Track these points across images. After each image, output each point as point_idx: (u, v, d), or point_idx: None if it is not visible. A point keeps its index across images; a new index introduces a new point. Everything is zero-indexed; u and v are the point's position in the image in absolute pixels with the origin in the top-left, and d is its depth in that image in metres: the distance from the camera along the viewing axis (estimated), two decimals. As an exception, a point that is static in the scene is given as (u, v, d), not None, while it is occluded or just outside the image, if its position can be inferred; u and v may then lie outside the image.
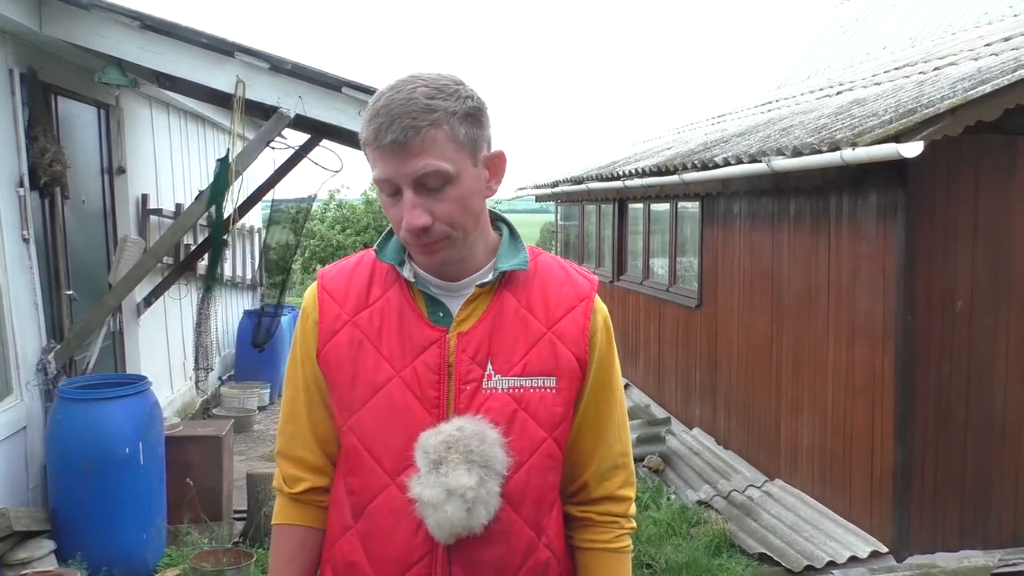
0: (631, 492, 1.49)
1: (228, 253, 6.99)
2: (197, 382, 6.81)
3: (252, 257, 9.96)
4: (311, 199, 6.25)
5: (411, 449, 1.31)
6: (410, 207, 1.25)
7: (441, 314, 1.36)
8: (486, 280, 1.36)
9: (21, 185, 4.25)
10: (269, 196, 6.52)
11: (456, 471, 1.26)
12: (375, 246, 1.43)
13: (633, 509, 1.49)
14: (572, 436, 1.41)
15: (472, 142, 1.28)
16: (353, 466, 1.39)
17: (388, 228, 1.46)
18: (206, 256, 7.18)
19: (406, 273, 1.37)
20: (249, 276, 9.75)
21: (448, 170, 1.25)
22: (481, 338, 1.35)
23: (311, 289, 1.45)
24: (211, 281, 5.36)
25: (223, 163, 4.52)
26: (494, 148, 1.34)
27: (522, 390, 1.34)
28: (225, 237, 4.98)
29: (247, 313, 8.49)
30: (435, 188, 1.25)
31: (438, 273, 1.38)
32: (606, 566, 1.46)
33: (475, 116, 1.28)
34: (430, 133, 1.23)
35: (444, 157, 1.24)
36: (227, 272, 8.16)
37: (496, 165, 1.35)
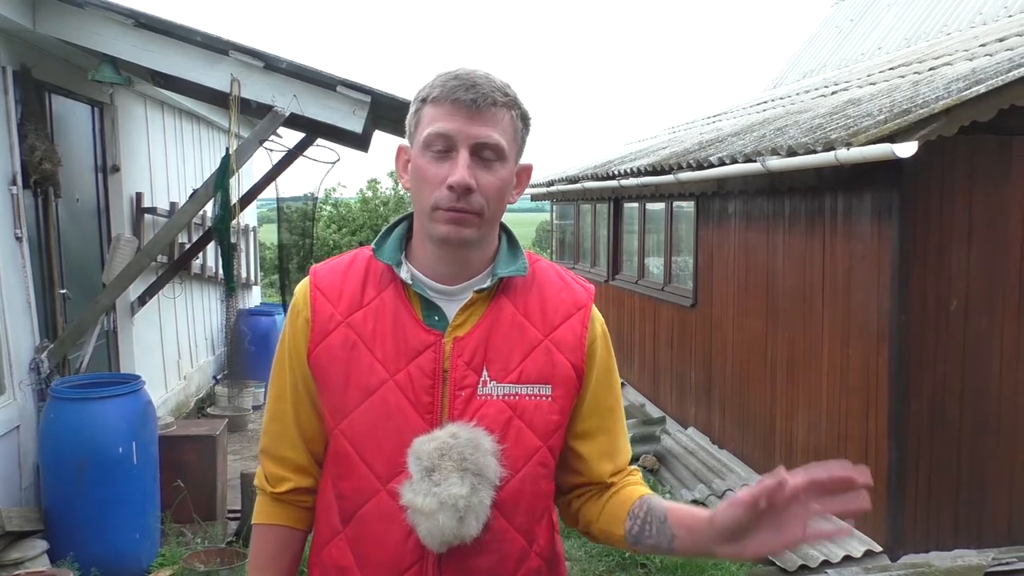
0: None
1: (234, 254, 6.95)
2: (230, 398, 6.84)
3: (248, 256, 9.94)
4: (314, 198, 6.24)
5: (403, 454, 1.29)
6: (463, 166, 1.26)
7: (437, 318, 1.34)
8: (484, 286, 1.35)
9: (14, 183, 4.23)
10: (265, 195, 6.51)
11: (449, 479, 1.25)
12: (372, 244, 1.40)
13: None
14: (579, 443, 1.41)
15: (521, 139, 1.35)
16: (343, 470, 1.36)
17: (386, 227, 1.44)
18: (200, 255, 7.18)
19: (403, 274, 1.35)
20: (244, 275, 9.73)
21: (505, 149, 1.30)
22: (477, 343, 1.33)
23: (302, 286, 1.42)
24: (231, 283, 5.30)
25: (224, 162, 4.50)
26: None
27: (517, 397, 1.32)
28: (234, 241, 4.94)
29: (244, 312, 8.47)
30: (488, 160, 1.29)
31: (437, 275, 1.36)
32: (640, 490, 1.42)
33: (527, 122, 1.37)
34: (502, 111, 1.30)
35: (506, 137, 1.30)
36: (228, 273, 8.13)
37: (523, 176, 1.40)
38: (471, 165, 1.27)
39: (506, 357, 1.33)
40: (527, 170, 1.40)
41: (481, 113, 1.27)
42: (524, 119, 1.35)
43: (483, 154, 1.28)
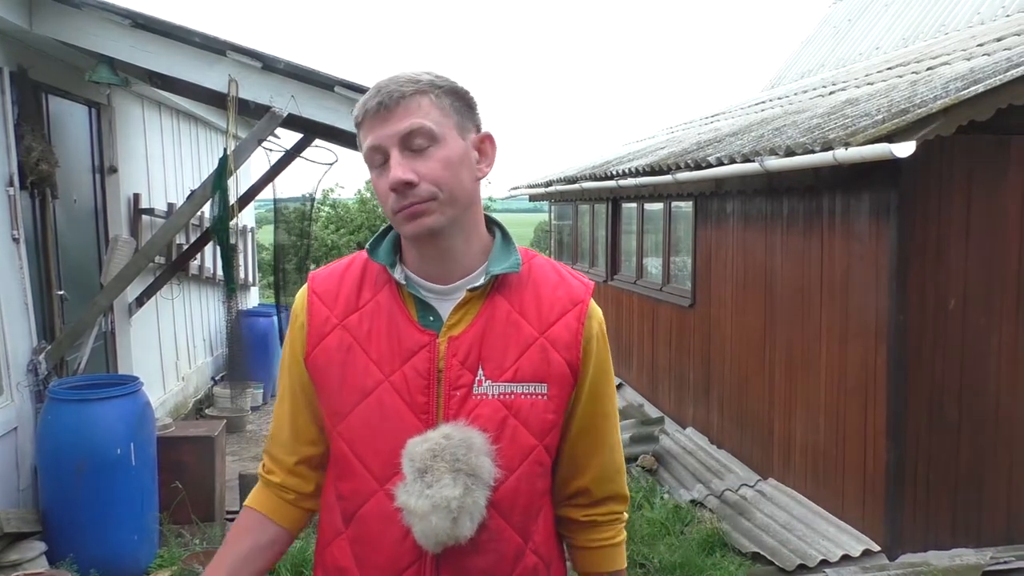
0: (628, 490, 1.53)
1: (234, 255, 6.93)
2: (232, 399, 6.84)
3: (246, 257, 9.93)
4: (312, 199, 6.24)
5: (399, 455, 1.29)
6: (395, 165, 1.27)
7: (431, 318, 1.34)
8: (477, 284, 1.34)
9: (11, 184, 4.23)
10: (262, 196, 6.50)
11: (441, 480, 1.25)
12: (367, 246, 1.41)
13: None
14: (571, 439, 1.41)
15: (458, 113, 1.32)
16: (342, 471, 1.38)
17: (381, 228, 1.45)
18: (198, 256, 7.17)
19: (397, 275, 1.36)
20: (242, 275, 9.72)
21: (432, 128, 1.28)
22: (472, 343, 1.33)
23: (301, 292, 1.44)
24: (232, 284, 5.26)
25: (222, 163, 4.49)
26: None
27: (513, 396, 1.32)
28: (233, 242, 4.92)
29: (242, 313, 8.46)
30: (420, 148, 1.28)
31: (429, 275, 1.36)
32: (610, 560, 1.50)
33: (460, 94, 1.33)
34: (415, 98, 1.28)
35: (428, 118, 1.28)
36: (222, 275, 8.14)
37: (485, 147, 1.37)
38: (403, 161, 1.27)
39: (501, 356, 1.33)
40: (487, 138, 1.37)
41: (392, 111, 1.28)
42: (452, 93, 1.32)
43: (413, 145, 1.28)
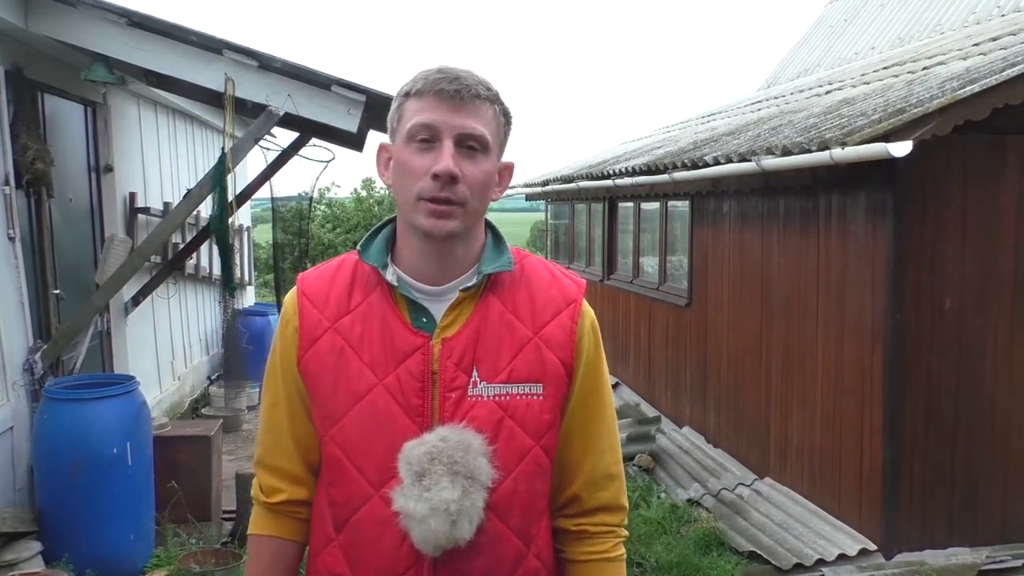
0: (625, 501, 1.47)
1: (214, 253, 6.91)
2: (227, 400, 6.83)
3: (242, 256, 9.92)
4: (310, 198, 6.24)
5: (395, 459, 1.28)
6: (448, 154, 1.26)
7: (424, 319, 1.33)
8: (470, 284, 1.34)
9: (7, 183, 4.21)
10: (260, 195, 6.50)
11: (439, 483, 1.24)
12: (358, 246, 1.40)
13: (625, 518, 1.47)
14: (561, 442, 1.39)
15: (504, 137, 1.36)
16: (335, 477, 1.36)
17: (373, 228, 1.44)
18: (194, 256, 7.16)
19: (389, 276, 1.34)
20: (239, 274, 9.70)
21: (489, 141, 1.30)
22: (466, 344, 1.32)
23: (291, 294, 1.42)
24: (231, 284, 5.23)
25: (221, 162, 4.48)
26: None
27: (508, 397, 1.31)
28: (233, 242, 4.90)
29: (239, 312, 8.44)
30: (473, 150, 1.29)
31: (422, 276, 1.35)
32: (605, 575, 1.43)
33: (509, 119, 1.37)
34: (485, 104, 1.31)
35: (489, 129, 1.31)
36: (213, 273, 8.13)
37: (505, 174, 1.40)
38: (455, 155, 1.27)
39: (495, 356, 1.32)
40: (509, 168, 1.40)
41: (465, 104, 1.27)
42: (506, 115, 1.35)
43: (467, 144, 1.28)
